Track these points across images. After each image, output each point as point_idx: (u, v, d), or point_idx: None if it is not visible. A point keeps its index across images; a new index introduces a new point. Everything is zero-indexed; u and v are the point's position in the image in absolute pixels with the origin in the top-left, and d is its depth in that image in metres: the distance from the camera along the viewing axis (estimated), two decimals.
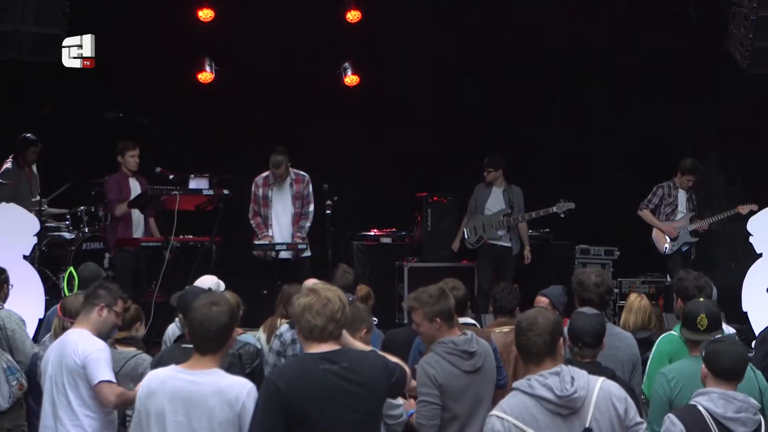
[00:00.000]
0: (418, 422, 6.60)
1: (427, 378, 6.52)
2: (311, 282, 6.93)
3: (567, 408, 5.16)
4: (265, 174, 12.41)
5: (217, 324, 5.54)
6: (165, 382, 5.52)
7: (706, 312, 6.67)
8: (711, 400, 5.66)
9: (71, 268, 11.42)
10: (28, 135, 12.68)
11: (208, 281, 8.35)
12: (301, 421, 5.23)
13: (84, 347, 6.69)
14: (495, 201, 13.40)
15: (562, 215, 13.16)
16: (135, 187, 12.31)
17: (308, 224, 12.35)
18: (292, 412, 5.22)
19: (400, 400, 6.56)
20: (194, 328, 5.58)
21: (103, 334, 6.89)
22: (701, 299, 6.95)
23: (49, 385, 6.78)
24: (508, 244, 13.35)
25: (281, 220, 12.38)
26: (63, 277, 11.64)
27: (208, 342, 5.56)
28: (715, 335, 6.57)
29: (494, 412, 5.23)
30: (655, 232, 13.07)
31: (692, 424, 5.57)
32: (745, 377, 6.11)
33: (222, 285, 8.27)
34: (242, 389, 5.48)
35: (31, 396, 8.24)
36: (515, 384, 5.27)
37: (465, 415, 6.58)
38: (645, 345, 7.53)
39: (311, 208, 12.39)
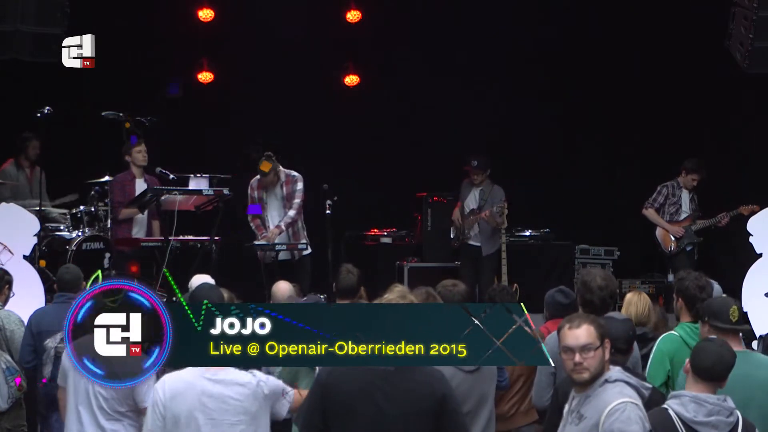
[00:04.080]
0: None
1: None
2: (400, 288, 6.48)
3: None
4: (259, 176, 12.34)
5: None
6: (192, 384, 5.66)
7: (736, 305, 6.66)
8: (682, 404, 5.68)
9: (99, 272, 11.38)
10: (24, 133, 12.69)
11: (201, 281, 8.31)
12: (335, 412, 5.35)
13: None
14: (472, 200, 13.37)
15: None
16: (141, 188, 11.98)
17: (293, 213, 12.03)
18: (329, 403, 5.36)
19: None
20: None
21: None
22: (724, 295, 6.96)
23: (83, 392, 6.65)
24: (477, 244, 13.26)
25: (276, 222, 12.30)
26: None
27: None
28: (745, 328, 6.64)
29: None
30: (659, 232, 13.06)
31: (661, 428, 5.58)
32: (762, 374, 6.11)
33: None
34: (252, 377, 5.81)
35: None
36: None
37: (470, 414, 6.55)
38: (641, 341, 7.50)
39: (297, 200, 12.08)
